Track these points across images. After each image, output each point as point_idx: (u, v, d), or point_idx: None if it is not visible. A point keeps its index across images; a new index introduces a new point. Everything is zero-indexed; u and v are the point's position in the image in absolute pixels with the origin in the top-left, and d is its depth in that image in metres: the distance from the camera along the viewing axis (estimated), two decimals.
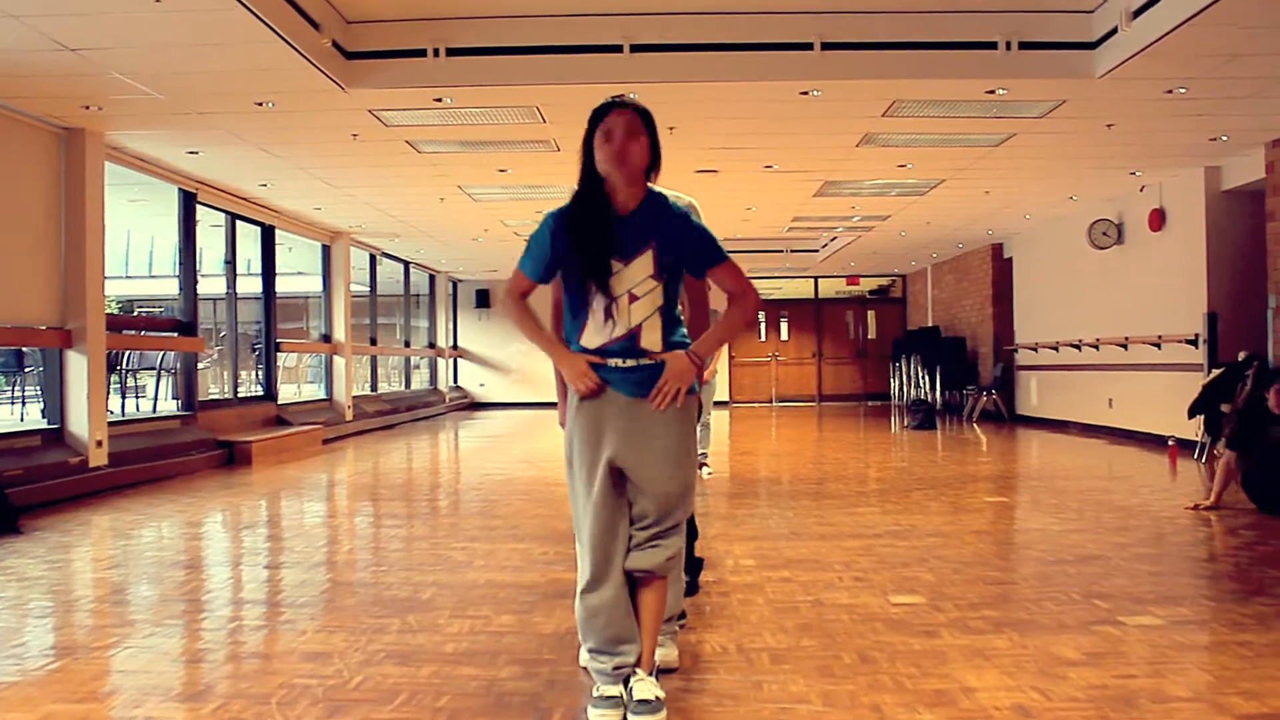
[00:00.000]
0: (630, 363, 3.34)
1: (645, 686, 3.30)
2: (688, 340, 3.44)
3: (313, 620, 4.70)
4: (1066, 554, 6.01)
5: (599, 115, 3.34)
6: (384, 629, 4.50)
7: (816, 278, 24.47)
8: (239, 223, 13.43)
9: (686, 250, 3.37)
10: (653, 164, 3.38)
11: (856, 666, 3.89)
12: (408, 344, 21.46)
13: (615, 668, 3.35)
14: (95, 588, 5.69)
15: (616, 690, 3.33)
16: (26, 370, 12.73)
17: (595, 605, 3.34)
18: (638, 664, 3.35)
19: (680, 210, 3.40)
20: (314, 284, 17.07)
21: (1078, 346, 14.83)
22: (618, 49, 7.90)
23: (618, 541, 3.35)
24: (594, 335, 3.36)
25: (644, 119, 3.34)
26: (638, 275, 3.31)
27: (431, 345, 22.99)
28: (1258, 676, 3.70)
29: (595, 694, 3.35)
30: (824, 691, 3.61)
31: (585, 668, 3.64)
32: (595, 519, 3.33)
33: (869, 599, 4.94)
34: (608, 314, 3.32)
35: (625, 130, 3.28)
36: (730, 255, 3.46)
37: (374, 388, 19.20)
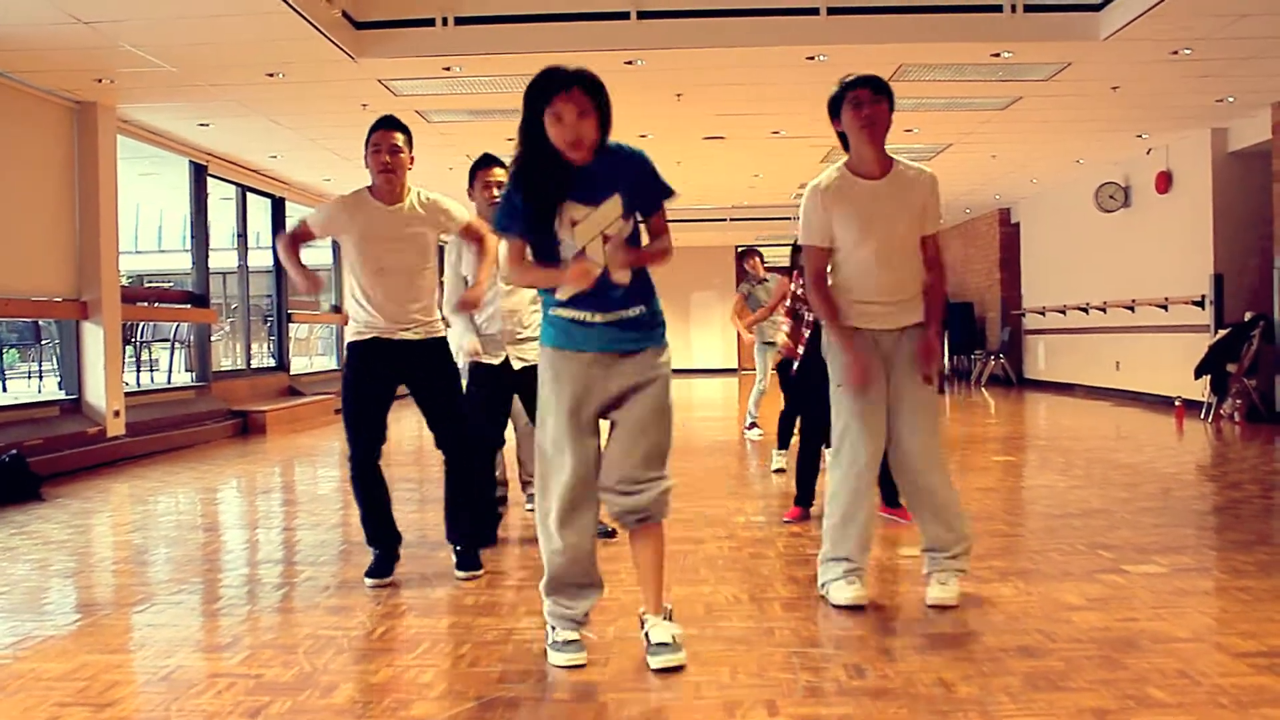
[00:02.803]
0: (609, 317, 3.37)
1: (662, 629, 3.40)
2: (661, 315, 3.49)
3: (334, 577, 4.80)
4: (1072, 508, 6.10)
5: (546, 95, 3.23)
6: (404, 584, 4.61)
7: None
8: (249, 195, 13.51)
9: (645, 184, 3.41)
10: (604, 134, 3.33)
11: (866, 613, 3.98)
12: None
13: (585, 613, 3.51)
14: (118, 550, 5.82)
15: (576, 635, 3.47)
16: (43, 343, 12.86)
17: (571, 550, 3.43)
18: (649, 609, 3.46)
19: (635, 150, 3.42)
20: (324, 256, 17.14)
21: (1085, 310, 14.88)
22: (625, 16, 7.93)
23: (591, 490, 3.42)
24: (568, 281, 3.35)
25: (592, 94, 3.26)
26: (609, 216, 3.34)
27: (441, 316, 23.06)
28: (1257, 619, 3.80)
29: (555, 639, 3.47)
30: (834, 636, 3.72)
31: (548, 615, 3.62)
32: (574, 468, 3.38)
33: (878, 552, 5.02)
34: (580, 255, 3.33)
35: (576, 113, 3.23)
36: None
37: None
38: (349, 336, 4.77)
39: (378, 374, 4.68)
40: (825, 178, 4.08)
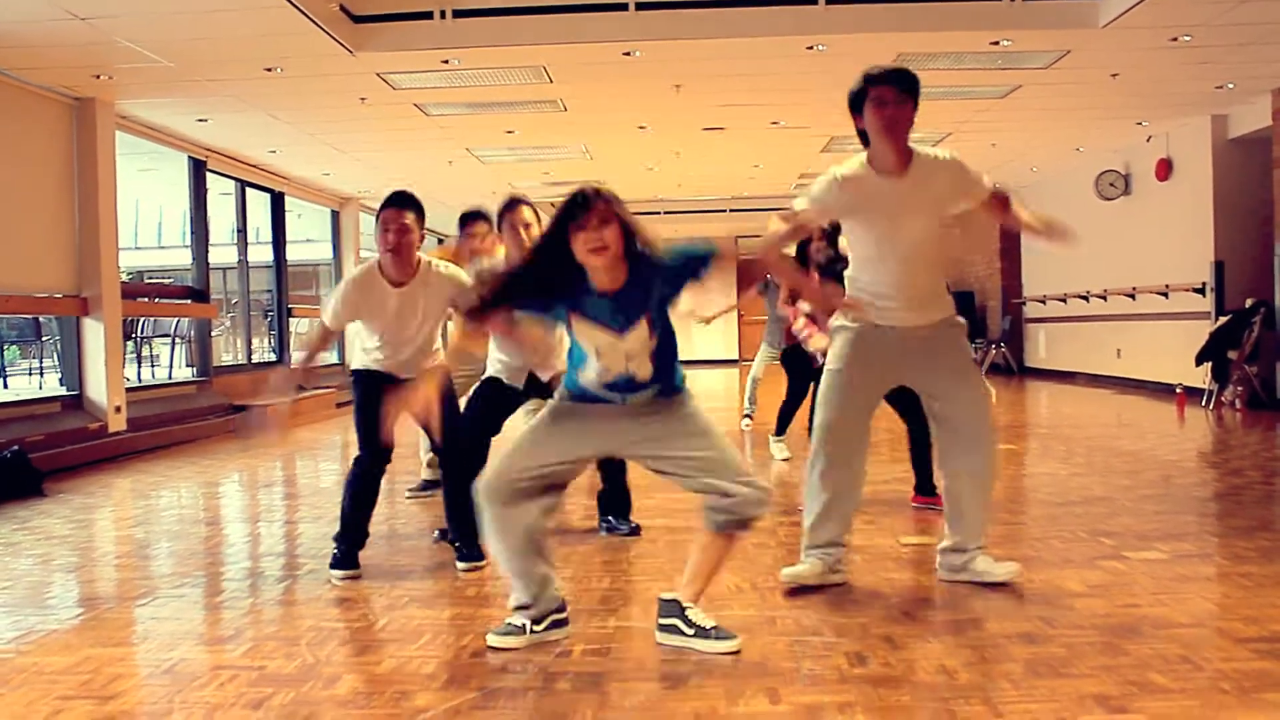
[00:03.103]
0: (632, 398, 3.48)
1: (705, 616, 3.51)
2: (680, 373, 3.55)
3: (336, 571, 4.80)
4: (1073, 496, 6.11)
5: (570, 211, 3.31)
6: (406, 577, 4.61)
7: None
8: (249, 190, 13.51)
9: (683, 271, 3.41)
10: (629, 243, 3.34)
11: (867, 601, 3.99)
12: None
13: (526, 602, 3.58)
14: (120, 544, 5.82)
15: (521, 621, 3.55)
16: (44, 340, 12.86)
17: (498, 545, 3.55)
18: (689, 597, 3.53)
19: (669, 261, 3.39)
20: (324, 251, 17.15)
21: (1086, 298, 14.86)
22: (623, 7, 7.92)
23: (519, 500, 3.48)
24: (591, 377, 3.47)
25: (612, 204, 3.32)
26: (634, 343, 3.40)
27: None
28: (1258, 604, 3.80)
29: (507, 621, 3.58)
30: (836, 624, 3.71)
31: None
32: (523, 478, 3.47)
33: (880, 540, 5.05)
34: (605, 370, 3.44)
35: (599, 219, 3.27)
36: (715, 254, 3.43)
37: None
38: (354, 363, 4.87)
39: (381, 402, 4.74)
40: (847, 168, 4.00)
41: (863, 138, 4.01)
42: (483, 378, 5.29)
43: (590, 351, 3.44)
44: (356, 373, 4.82)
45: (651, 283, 3.38)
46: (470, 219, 6.20)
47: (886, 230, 3.98)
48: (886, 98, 3.87)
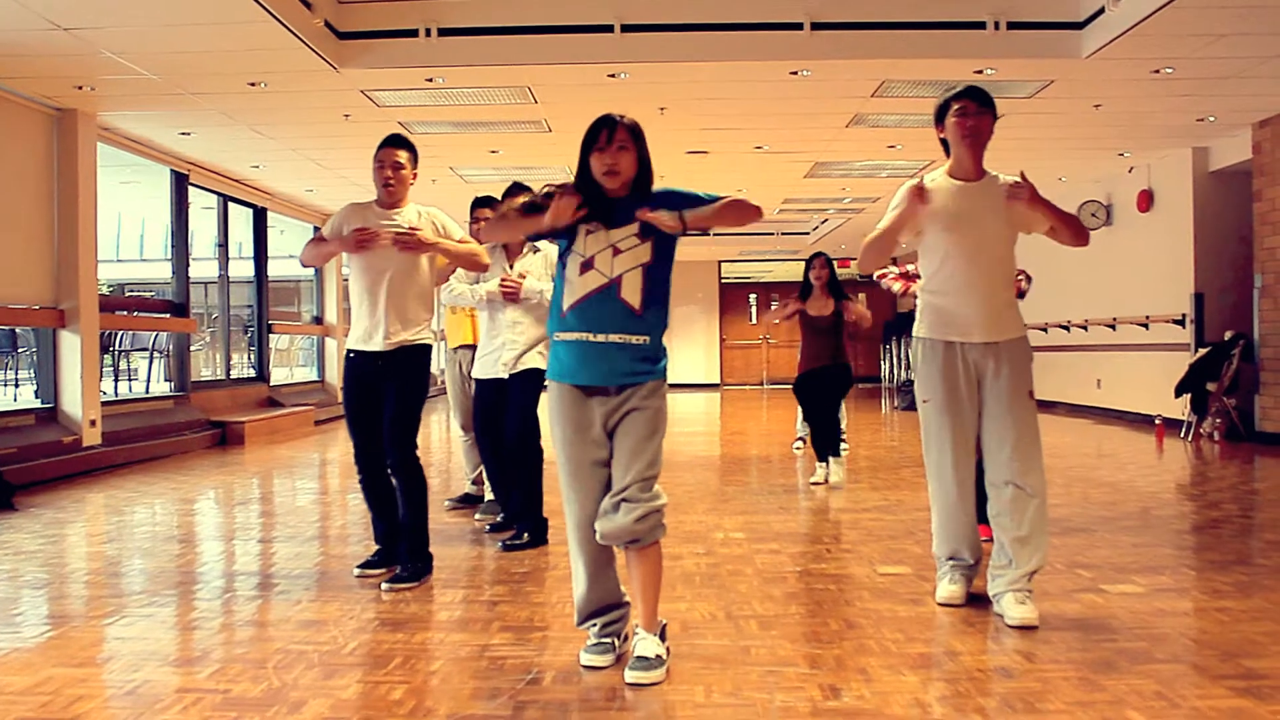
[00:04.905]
0: (611, 338, 3.42)
1: (648, 644, 3.43)
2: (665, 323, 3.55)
3: (307, 591, 4.75)
4: (1051, 527, 6.01)
5: (593, 130, 3.53)
6: (377, 599, 4.56)
7: (807, 260, 24.51)
8: (231, 205, 13.45)
9: (674, 202, 3.48)
10: (640, 176, 3.55)
11: (843, 632, 3.96)
12: None
13: (602, 630, 3.56)
14: (90, 561, 5.74)
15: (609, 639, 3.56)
16: (19, 351, 12.74)
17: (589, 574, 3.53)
18: (640, 623, 3.48)
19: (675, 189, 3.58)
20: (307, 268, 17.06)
21: (1066, 328, 14.90)
22: (609, 29, 7.92)
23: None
24: (574, 291, 3.46)
25: (633, 134, 3.53)
26: (623, 233, 3.46)
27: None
28: (1235, 641, 3.78)
29: (589, 641, 3.58)
30: (810, 655, 3.68)
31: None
32: (583, 497, 3.49)
33: (856, 569, 5.02)
34: (588, 265, 3.45)
35: (616, 147, 3.49)
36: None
37: None
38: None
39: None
40: (925, 176, 4.30)
41: (944, 147, 4.31)
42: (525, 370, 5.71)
43: (580, 245, 3.47)
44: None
45: (652, 198, 3.52)
46: (479, 205, 6.58)
47: (955, 227, 4.19)
48: (969, 109, 4.17)
